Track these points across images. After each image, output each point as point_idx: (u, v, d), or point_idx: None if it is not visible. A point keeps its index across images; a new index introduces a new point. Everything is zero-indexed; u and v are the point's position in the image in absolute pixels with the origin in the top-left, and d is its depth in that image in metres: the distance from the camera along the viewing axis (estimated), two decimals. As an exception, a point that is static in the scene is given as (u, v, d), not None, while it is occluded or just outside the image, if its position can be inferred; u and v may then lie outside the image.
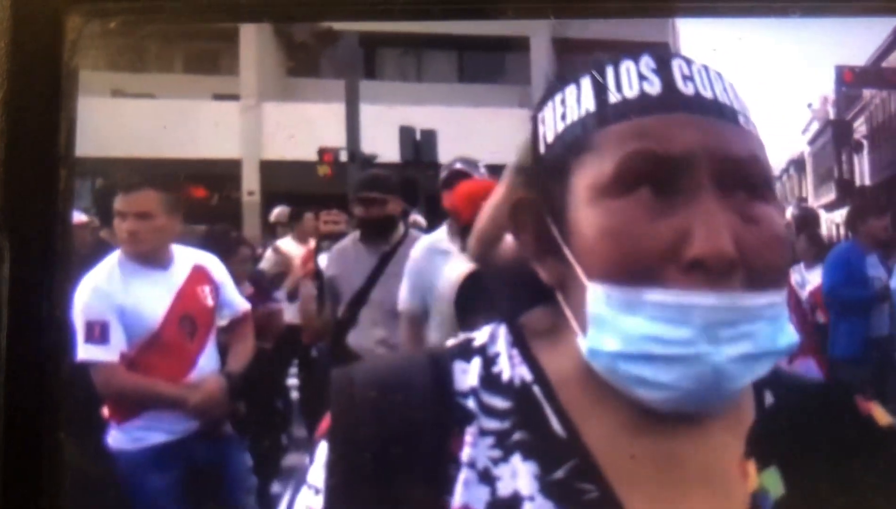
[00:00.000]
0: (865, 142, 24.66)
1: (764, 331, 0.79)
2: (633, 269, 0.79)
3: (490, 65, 20.84)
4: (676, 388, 0.78)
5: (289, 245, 6.48)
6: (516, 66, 19.78)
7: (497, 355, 0.90)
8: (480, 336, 0.93)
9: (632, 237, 0.79)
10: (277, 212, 7.82)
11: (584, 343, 0.83)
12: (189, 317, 3.51)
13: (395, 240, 4.45)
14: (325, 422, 0.90)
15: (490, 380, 0.88)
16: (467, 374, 0.89)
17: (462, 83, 20.57)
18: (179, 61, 18.66)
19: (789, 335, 0.82)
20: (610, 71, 0.85)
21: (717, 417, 0.86)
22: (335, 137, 13.60)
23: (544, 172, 0.88)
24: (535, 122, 0.92)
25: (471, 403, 0.86)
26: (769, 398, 0.91)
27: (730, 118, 0.83)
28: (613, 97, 0.83)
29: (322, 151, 13.84)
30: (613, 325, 0.79)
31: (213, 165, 12.82)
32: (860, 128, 24.68)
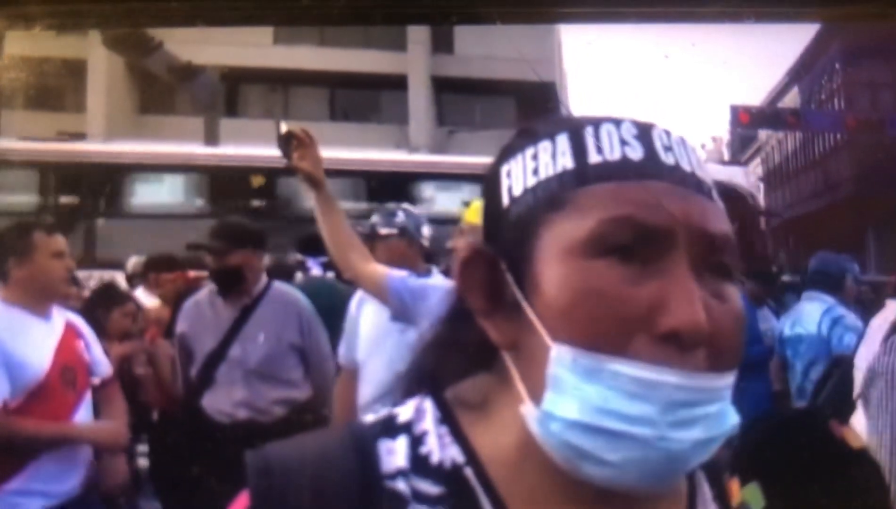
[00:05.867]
0: (761, 185, 25.63)
1: (717, 413, 0.81)
2: (603, 334, 0.79)
3: (364, 103, 20.92)
4: (624, 468, 0.78)
5: (145, 298, 6.35)
6: (392, 105, 19.91)
7: (425, 434, 0.88)
8: (405, 411, 0.91)
9: (605, 300, 0.79)
10: (133, 262, 7.67)
11: (531, 410, 0.82)
12: (70, 368, 3.54)
13: (256, 293, 4.35)
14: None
15: (419, 463, 0.86)
16: (394, 455, 0.87)
17: (334, 122, 20.56)
18: (19, 96, 18.15)
19: (734, 417, 0.84)
20: (590, 132, 0.87)
21: (657, 498, 0.86)
22: (192, 180, 13.38)
23: (507, 226, 0.89)
24: (496, 174, 0.92)
25: (401, 486, 0.85)
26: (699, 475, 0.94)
27: (706, 193, 0.86)
28: (594, 158, 0.85)
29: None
30: (573, 391, 0.79)
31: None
32: (755, 170, 25.66)
